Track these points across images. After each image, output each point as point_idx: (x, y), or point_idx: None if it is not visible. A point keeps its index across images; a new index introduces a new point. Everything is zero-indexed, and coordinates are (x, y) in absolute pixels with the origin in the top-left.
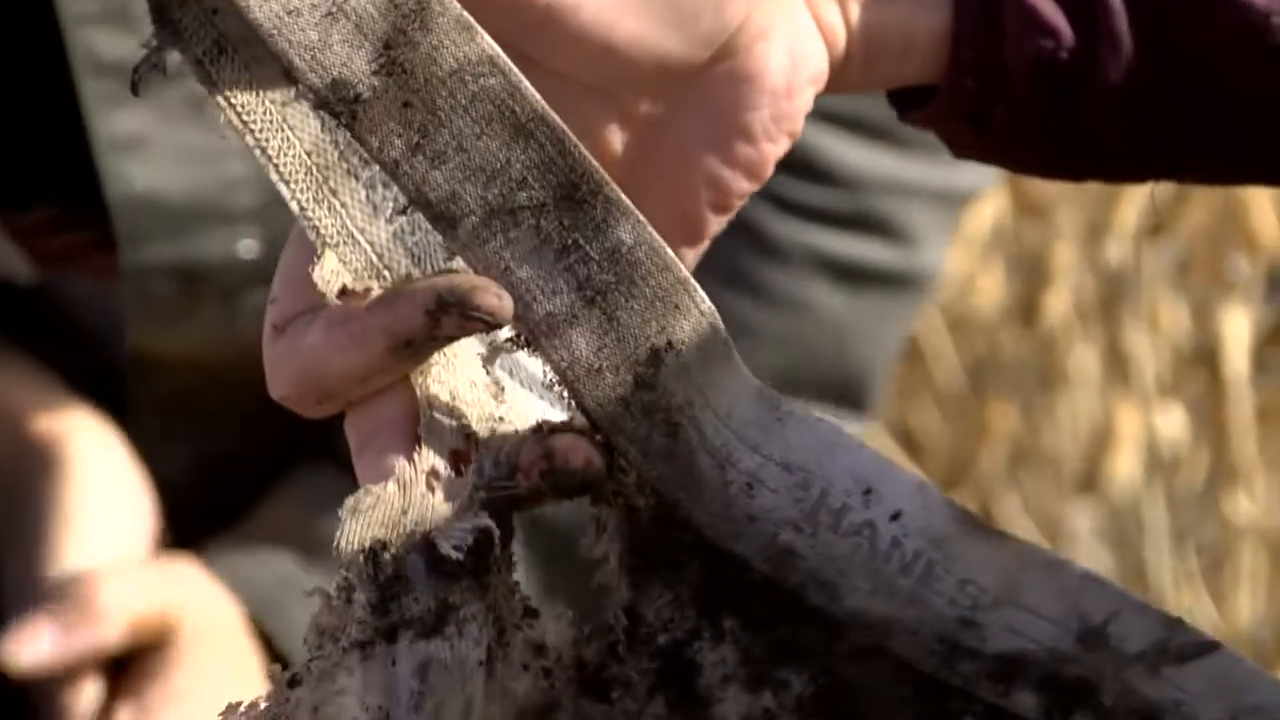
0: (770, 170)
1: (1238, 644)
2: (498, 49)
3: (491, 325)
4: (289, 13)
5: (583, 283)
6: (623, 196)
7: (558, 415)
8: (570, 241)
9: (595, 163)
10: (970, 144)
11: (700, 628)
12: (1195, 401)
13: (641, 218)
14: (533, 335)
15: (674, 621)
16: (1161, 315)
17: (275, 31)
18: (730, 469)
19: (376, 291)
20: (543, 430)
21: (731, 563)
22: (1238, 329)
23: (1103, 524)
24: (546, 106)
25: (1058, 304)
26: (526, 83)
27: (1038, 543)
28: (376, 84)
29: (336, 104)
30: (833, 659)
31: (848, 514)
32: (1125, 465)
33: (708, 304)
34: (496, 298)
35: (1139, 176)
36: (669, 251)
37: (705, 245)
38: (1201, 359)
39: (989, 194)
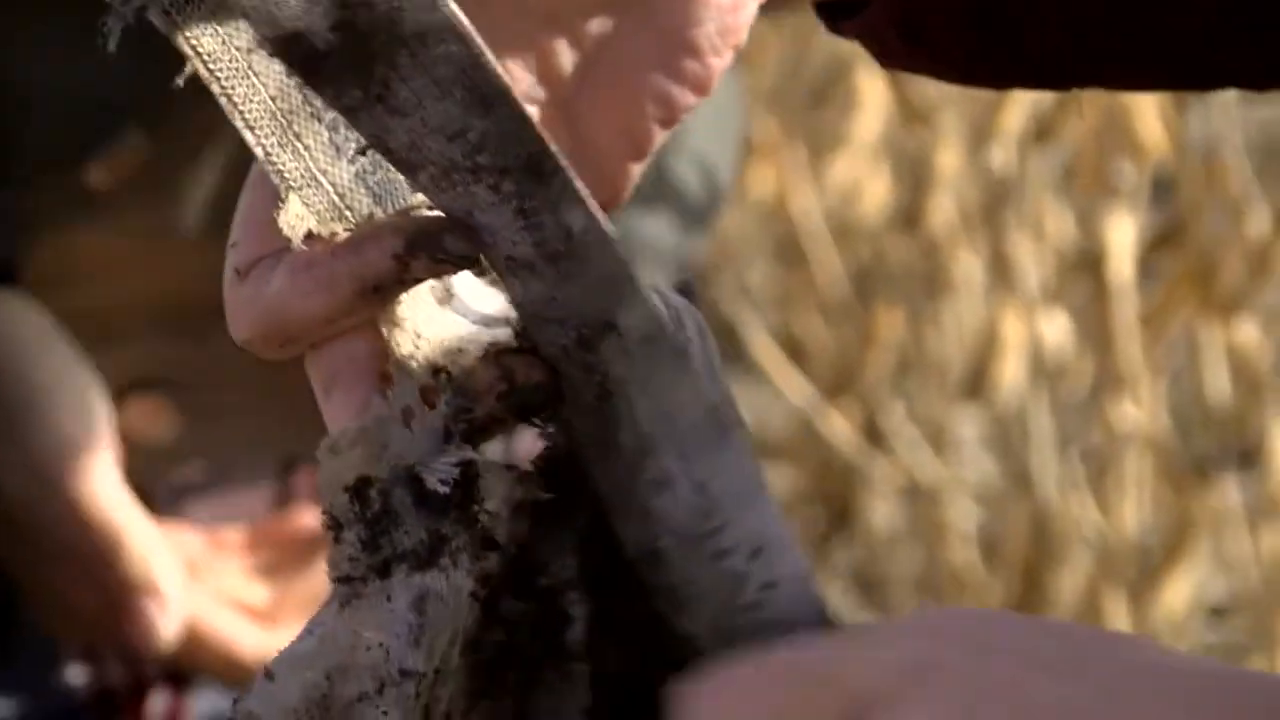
0: (716, 83)
1: (1124, 551)
2: (460, 17)
3: (461, 267)
4: None
5: (539, 242)
6: (578, 183)
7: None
8: (528, 206)
9: (554, 146)
10: (899, 50)
11: (576, 580)
12: (1080, 308)
13: (594, 206)
14: (494, 268)
15: (552, 568)
16: (1046, 221)
17: None
18: (650, 460)
19: (342, 236)
20: (491, 353)
21: (610, 533)
22: (1123, 235)
23: (988, 431)
24: (508, 83)
25: (943, 211)
26: (489, 54)
27: (925, 450)
28: (333, 39)
29: (292, 58)
30: (657, 662)
31: (729, 558)
32: (1010, 372)
33: (654, 305)
34: (466, 239)
35: (1064, 80)
36: (619, 245)
37: (649, 160)
38: (1086, 265)
39: (873, 100)
